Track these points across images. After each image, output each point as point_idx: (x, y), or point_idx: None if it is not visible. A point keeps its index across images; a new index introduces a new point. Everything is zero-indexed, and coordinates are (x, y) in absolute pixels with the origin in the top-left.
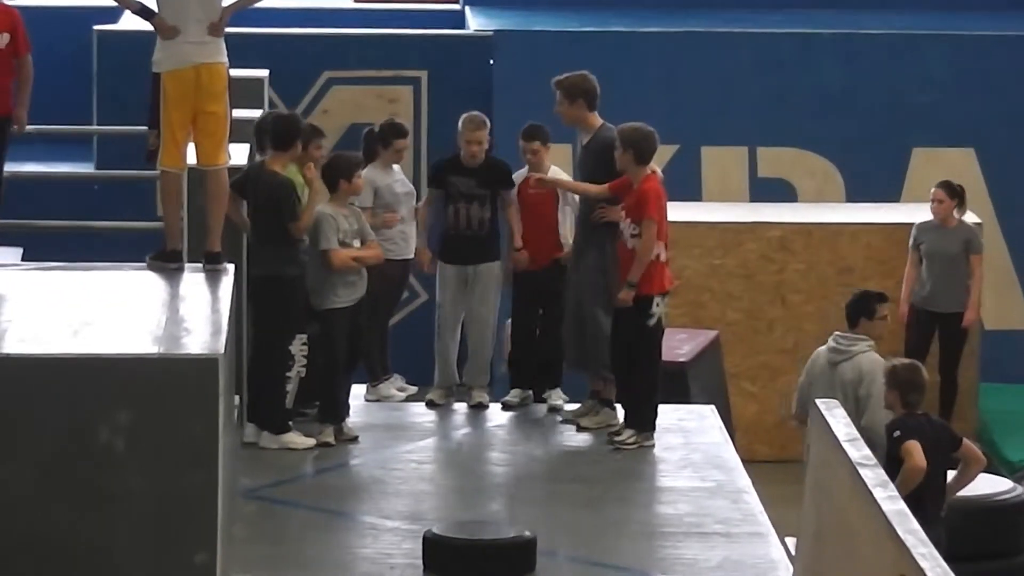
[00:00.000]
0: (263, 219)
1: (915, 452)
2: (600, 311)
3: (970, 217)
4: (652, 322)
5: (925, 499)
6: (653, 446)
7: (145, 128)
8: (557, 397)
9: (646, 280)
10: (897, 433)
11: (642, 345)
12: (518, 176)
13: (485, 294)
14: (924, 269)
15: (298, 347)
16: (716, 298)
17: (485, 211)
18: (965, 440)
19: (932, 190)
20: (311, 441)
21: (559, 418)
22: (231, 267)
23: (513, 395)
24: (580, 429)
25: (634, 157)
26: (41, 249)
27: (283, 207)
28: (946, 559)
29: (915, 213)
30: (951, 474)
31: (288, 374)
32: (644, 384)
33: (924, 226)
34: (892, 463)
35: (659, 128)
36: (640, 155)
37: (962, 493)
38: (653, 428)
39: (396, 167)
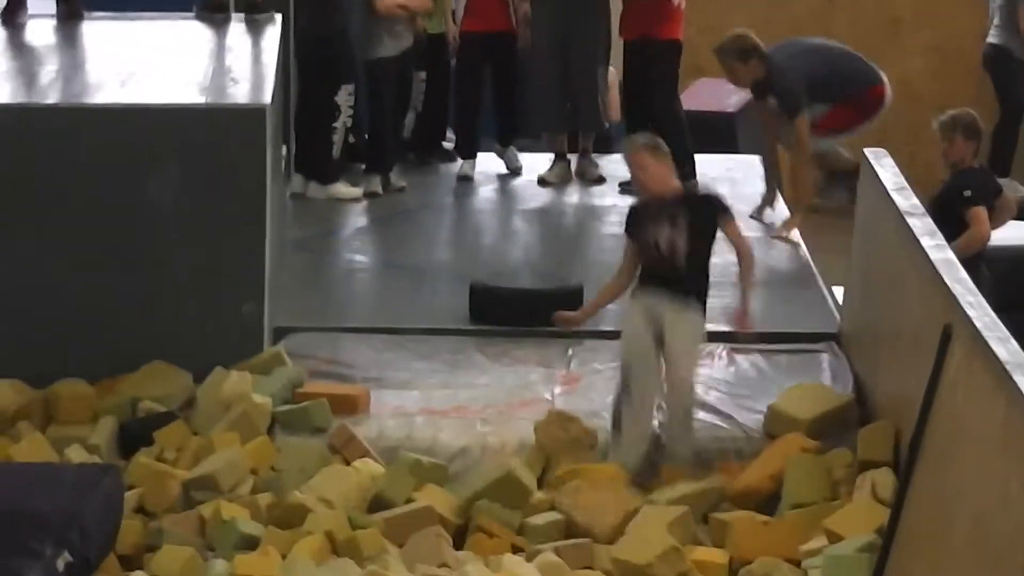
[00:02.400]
0: None
1: (984, 220)
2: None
3: None
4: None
5: None
6: None
7: None
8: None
9: (676, 25)
10: (968, 193)
11: (673, 90)
12: None
13: None
14: None
15: (344, 97)
16: None
17: None
18: (1004, 189)
19: None
20: (358, 191)
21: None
22: (278, 16)
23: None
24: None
25: None
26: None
27: None
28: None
29: None
30: None
31: (334, 124)
32: (676, 131)
33: None
34: (957, 223)
35: None
36: None
37: (1007, 243)
38: (695, 175)
39: None
